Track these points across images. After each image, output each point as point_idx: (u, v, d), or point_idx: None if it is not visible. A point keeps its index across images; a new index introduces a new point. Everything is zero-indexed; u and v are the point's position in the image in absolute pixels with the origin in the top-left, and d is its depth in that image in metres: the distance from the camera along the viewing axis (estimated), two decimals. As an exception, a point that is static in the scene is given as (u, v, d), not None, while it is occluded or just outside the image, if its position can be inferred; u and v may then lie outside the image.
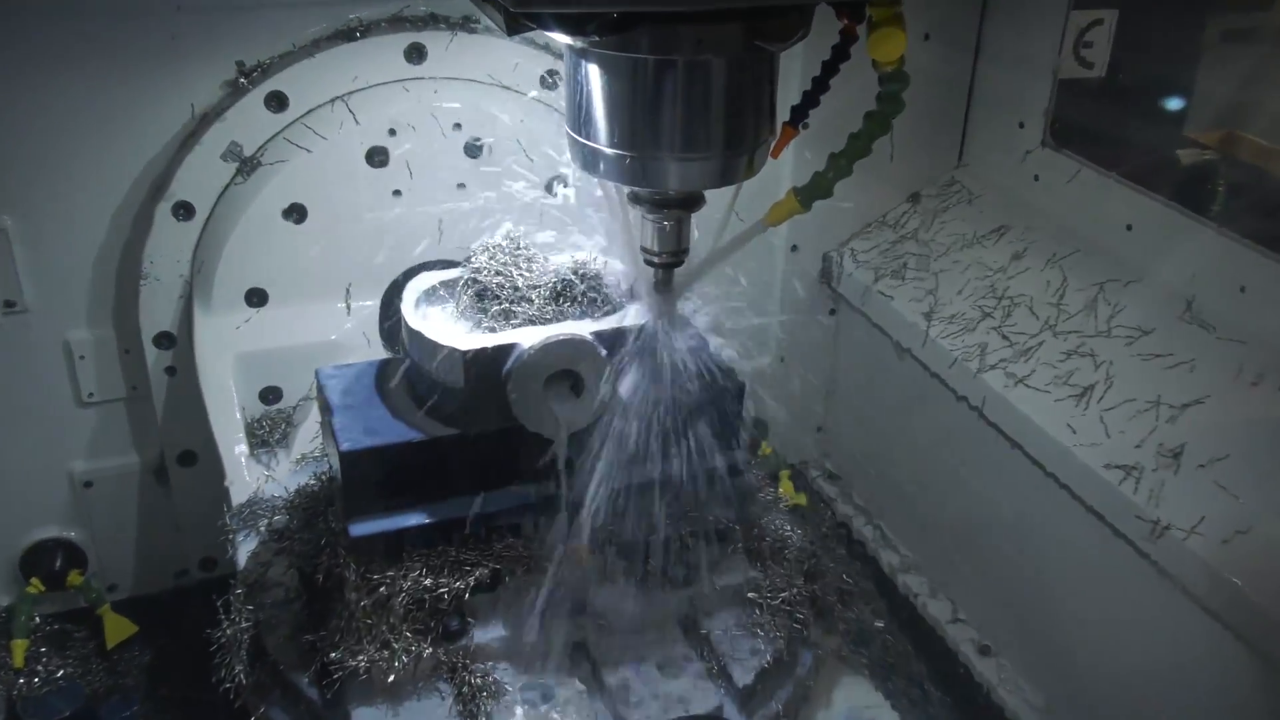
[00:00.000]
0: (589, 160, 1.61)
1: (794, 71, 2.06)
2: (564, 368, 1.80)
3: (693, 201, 1.70)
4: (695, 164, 1.58)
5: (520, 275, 1.92)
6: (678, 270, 1.77)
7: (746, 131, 1.60)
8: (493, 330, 1.86)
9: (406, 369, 1.91)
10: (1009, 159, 2.65)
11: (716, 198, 1.74)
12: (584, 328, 1.83)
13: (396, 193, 2.36)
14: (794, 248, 2.79)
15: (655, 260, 1.75)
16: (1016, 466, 2.23)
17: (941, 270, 2.58)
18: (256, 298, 2.36)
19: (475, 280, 1.93)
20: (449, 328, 1.88)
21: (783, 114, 1.69)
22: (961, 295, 2.50)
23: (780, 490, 2.69)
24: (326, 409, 1.91)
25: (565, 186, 2.32)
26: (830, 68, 1.67)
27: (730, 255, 1.86)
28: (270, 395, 2.38)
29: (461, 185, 2.38)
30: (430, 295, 1.97)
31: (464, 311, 1.92)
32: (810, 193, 1.73)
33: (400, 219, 2.37)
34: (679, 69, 1.52)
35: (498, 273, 1.92)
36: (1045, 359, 2.26)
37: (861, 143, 1.68)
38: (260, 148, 2.32)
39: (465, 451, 1.83)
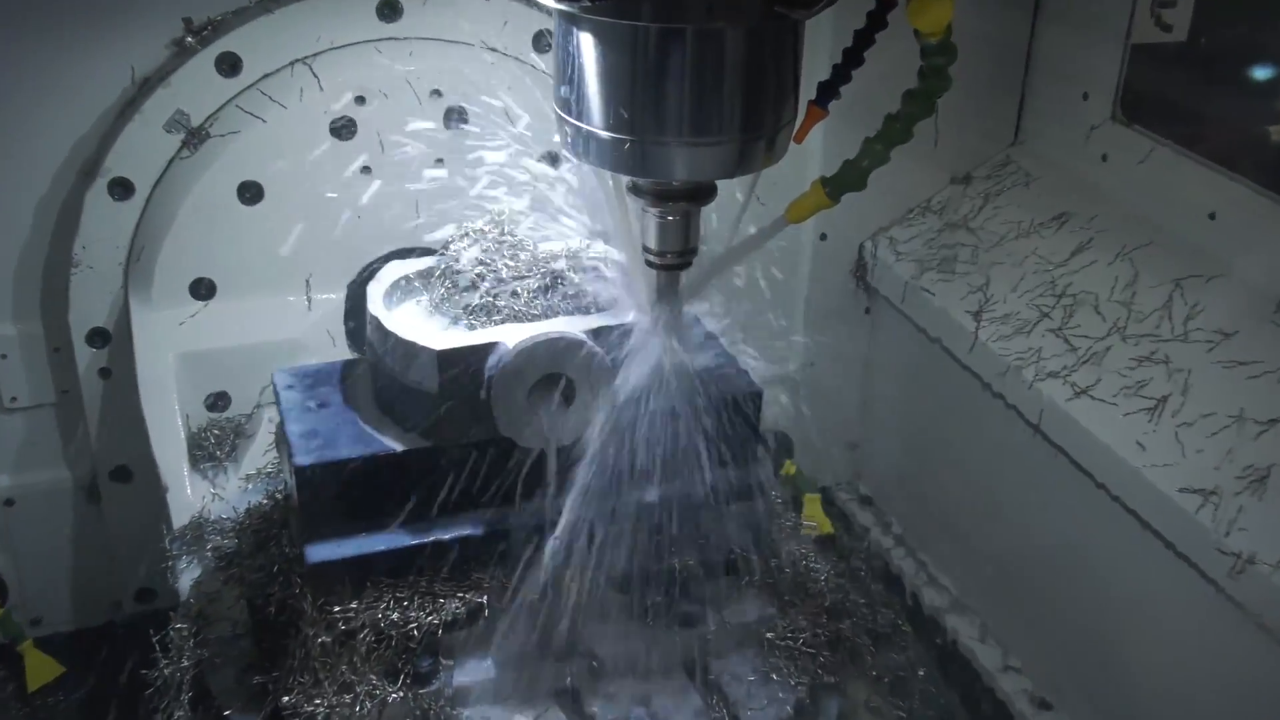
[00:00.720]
0: (580, 144, 1.59)
1: (822, 42, 2.06)
2: (553, 371, 1.82)
3: (702, 193, 1.68)
4: (705, 150, 1.57)
5: (506, 265, 1.94)
6: (685, 273, 1.76)
7: (765, 112, 1.59)
8: (472, 327, 1.88)
9: (374, 372, 1.93)
10: (1072, 135, 2.65)
11: (731, 188, 1.75)
12: (577, 325, 1.84)
13: (366, 169, 2.38)
14: (823, 236, 2.80)
15: (658, 261, 1.73)
16: (1078, 490, 2.24)
17: (993, 263, 2.59)
18: (204, 289, 2.38)
19: (454, 270, 1.95)
20: (422, 324, 1.90)
21: (808, 92, 1.69)
22: (1016, 292, 2.50)
23: (805, 515, 2.71)
24: (282, 417, 1.93)
25: (556, 166, 2.34)
26: (864, 38, 1.66)
27: (746, 256, 1.86)
28: (218, 401, 2.40)
29: (440, 161, 2.40)
30: (402, 287, 1.99)
31: (440, 306, 1.94)
32: (840, 184, 1.72)
33: (370, 199, 2.39)
34: (687, 39, 1.51)
35: (480, 262, 1.94)
36: (1112, 366, 2.27)
37: (900, 126, 1.66)
38: (209, 117, 2.34)
39: (440, 467, 1.84)
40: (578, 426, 1.84)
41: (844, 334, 2.89)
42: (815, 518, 2.73)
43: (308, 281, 2.42)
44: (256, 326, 2.38)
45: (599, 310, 1.92)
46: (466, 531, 1.86)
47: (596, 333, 1.84)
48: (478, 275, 1.93)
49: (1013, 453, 2.41)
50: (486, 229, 1.99)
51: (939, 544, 2.77)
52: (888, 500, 2.95)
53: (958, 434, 2.62)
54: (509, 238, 1.98)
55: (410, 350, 1.82)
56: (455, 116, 2.40)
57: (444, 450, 1.84)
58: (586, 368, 1.83)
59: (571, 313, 1.91)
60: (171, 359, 2.36)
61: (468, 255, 1.95)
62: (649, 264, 1.75)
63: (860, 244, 2.82)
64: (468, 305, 1.91)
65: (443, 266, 1.98)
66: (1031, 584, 2.46)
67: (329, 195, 2.37)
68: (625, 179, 1.68)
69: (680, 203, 1.68)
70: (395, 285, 1.98)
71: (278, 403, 1.98)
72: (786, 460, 2.86)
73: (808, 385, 2.93)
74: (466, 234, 1.99)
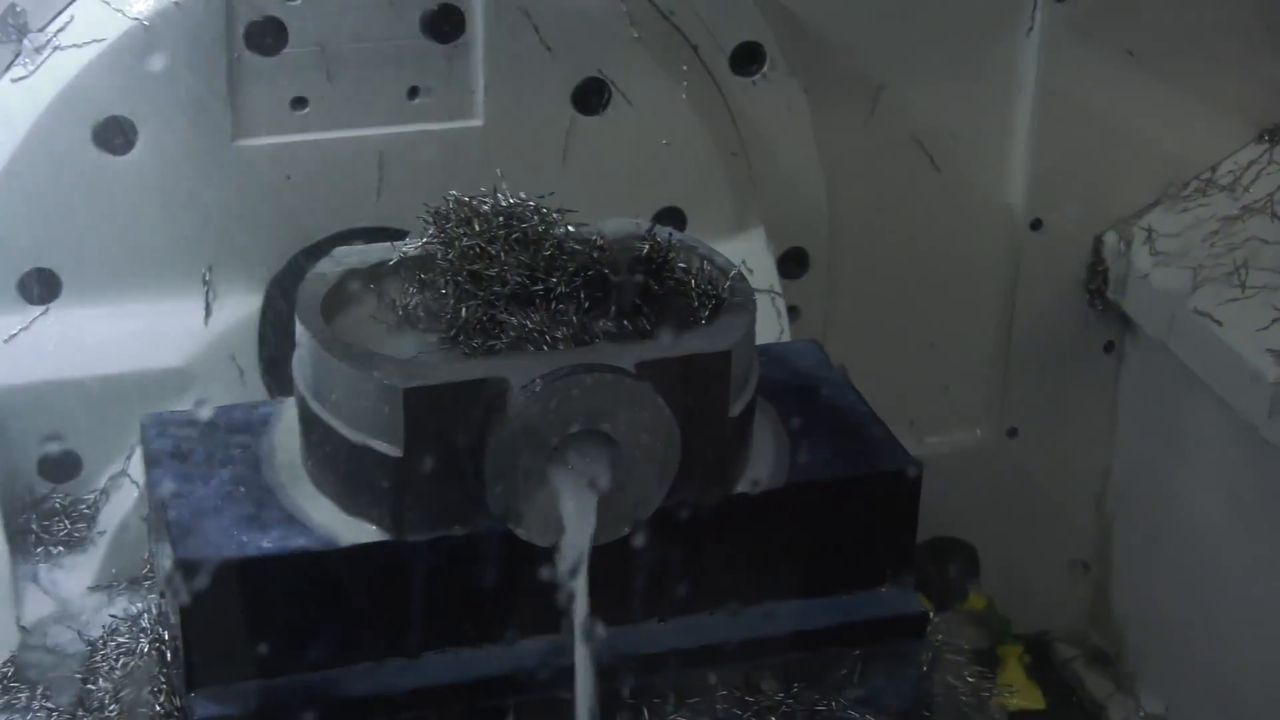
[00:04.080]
0: None
1: None
2: (587, 427, 1.89)
3: None
4: None
5: (517, 258, 2.02)
6: None
7: None
8: (467, 355, 1.97)
9: (305, 423, 2.02)
10: None
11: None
12: (626, 355, 1.92)
13: (299, 102, 2.48)
14: (1036, 224, 2.87)
15: None
16: None
17: (1318, 272, 2.64)
18: (41, 287, 2.46)
19: (434, 264, 2.04)
20: (382, 347, 1.97)
21: None
22: (1356, 321, 2.56)
23: (1002, 680, 2.75)
24: (158, 492, 2.02)
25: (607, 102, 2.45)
26: None
27: None
28: (58, 465, 2.48)
29: (417, 92, 2.52)
30: (353, 290, 2.08)
31: (411, 320, 2.04)
32: None
33: (305, 152, 2.50)
34: None
35: (476, 252, 2.03)
36: None
37: None
38: (55, 18, 2.44)
39: (405, 574, 1.93)
40: (625, 513, 1.93)
41: (1070, 385, 2.97)
42: (1015, 682, 2.78)
43: (206, 277, 2.52)
44: (122, 347, 2.46)
45: (667, 331, 2.00)
46: (450, 676, 1.96)
47: (657, 366, 1.92)
48: (470, 274, 2.00)
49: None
50: (488, 200, 2.06)
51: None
52: (1139, 658, 2.99)
53: (1257, 554, 2.66)
54: (521, 212, 2.05)
55: (362, 388, 1.89)
56: (443, 19, 2.50)
57: (413, 548, 1.93)
58: (639, 422, 1.90)
59: (619, 335, 1.99)
60: (-16, 396, 2.45)
61: (456, 241, 2.03)
62: None
63: (1098, 237, 2.89)
64: (454, 320, 1.99)
65: (416, 259, 2.07)
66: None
67: (241, 143, 2.47)
68: None
69: None
70: (342, 286, 2.06)
71: (149, 469, 2.08)
72: (970, 588, 2.93)
73: (1007, 467, 2.99)
74: (455, 208, 2.06)
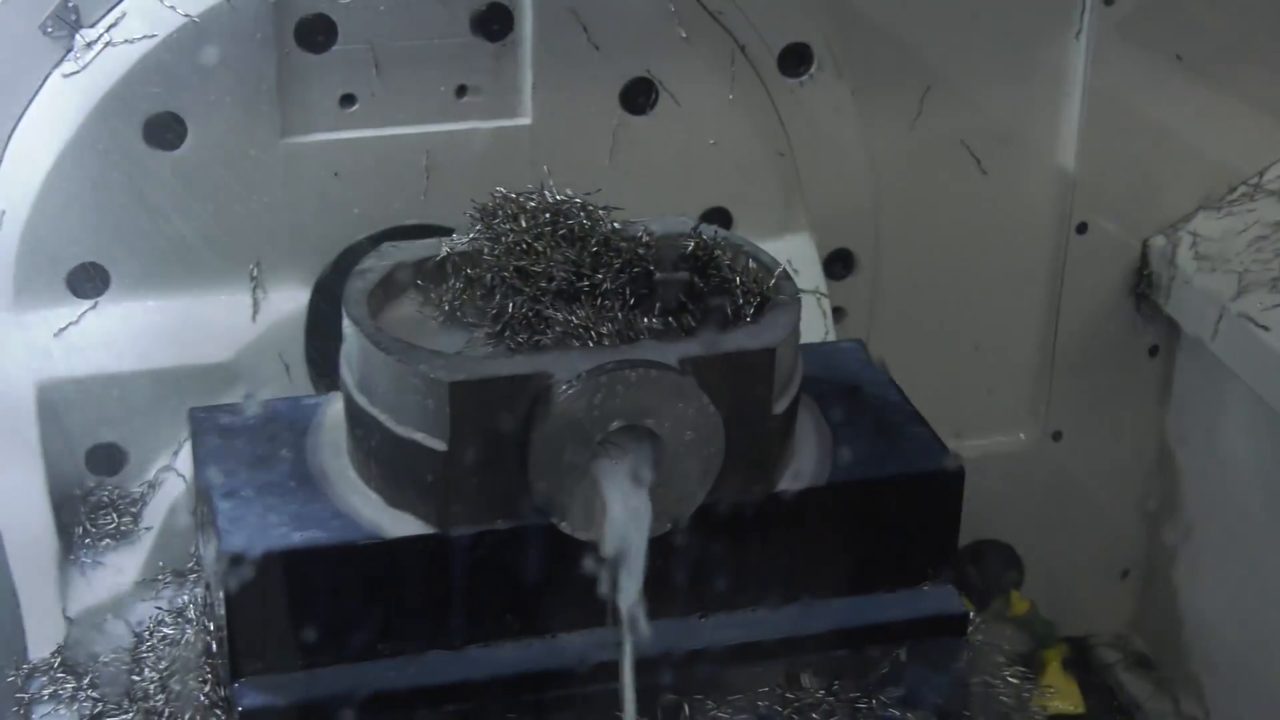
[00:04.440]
0: None
1: None
2: (631, 423, 1.92)
3: None
4: None
5: (563, 254, 2.05)
6: None
7: None
8: (512, 350, 2.00)
9: (350, 416, 2.05)
10: None
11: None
12: (671, 351, 1.95)
13: (348, 99, 2.52)
14: (1081, 227, 2.89)
15: None
16: None
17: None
18: (90, 281, 2.50)
19: (480, 260, 2.08)
20: (428, 342, 2.00)
21: None
22: None
23: (1043, 682, 2.76)
24: (205, 485, 2.06)
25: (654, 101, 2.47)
26: None
27: None
28: (106, 458, 2.52)
29: (465, 90, 2.56)
30: (399, 285, 2.12)
31: (457, 315, 2.07)
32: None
33: (354, 149, 2.53)
34: None
35: (522, 248, 2.06)
36: None
37: None
38: (107, 14, 2.47)
39: (449, 567, 1.97)
40: (668, 510, 1.96)
41: (1114, 389, 2.98)
42: (1055, 684, 2.79)
43: (253, 273, 2.56)
44: (169, 342, 2.50)
45: (712, 327, 2.02)
46: (494, 670, 1.99)
47: (701, 364, 1.95)
48: (517, 269, 2.03)
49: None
50: (534, 196, 2.10)
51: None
52: (1182, 664, 2.99)
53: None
54: (569, 211, 2.09)
55: (408, 382, 1.92)
56: (493, 17, 2.53)
57: (457, 541, 1.96)
58: (685, 417, 1.92)
59: (664, 332, 2.02)
60: (31, 389, 2.46)
61: (503, 236, 2.07)
62: None
63: (1144, 242, 2.90)
64: (499, 315, 2.03)
65: (463, 255, 2.10)
66: None
67: (291, 140, 2.52)
68: None
69: None
70: (388, 281, 2.10)
71: (196, 461, 2.12)
72: (1013, 590, 2.95)
73: (1051, 470, 3.00)
74: (501, 204, 2.10)
